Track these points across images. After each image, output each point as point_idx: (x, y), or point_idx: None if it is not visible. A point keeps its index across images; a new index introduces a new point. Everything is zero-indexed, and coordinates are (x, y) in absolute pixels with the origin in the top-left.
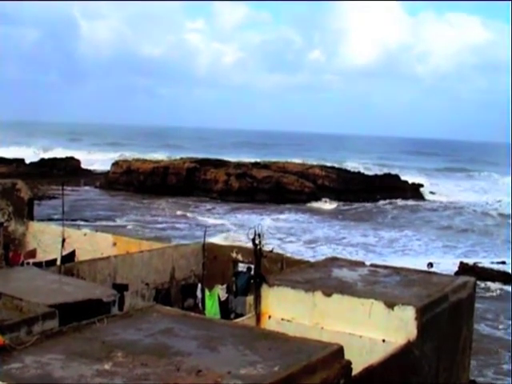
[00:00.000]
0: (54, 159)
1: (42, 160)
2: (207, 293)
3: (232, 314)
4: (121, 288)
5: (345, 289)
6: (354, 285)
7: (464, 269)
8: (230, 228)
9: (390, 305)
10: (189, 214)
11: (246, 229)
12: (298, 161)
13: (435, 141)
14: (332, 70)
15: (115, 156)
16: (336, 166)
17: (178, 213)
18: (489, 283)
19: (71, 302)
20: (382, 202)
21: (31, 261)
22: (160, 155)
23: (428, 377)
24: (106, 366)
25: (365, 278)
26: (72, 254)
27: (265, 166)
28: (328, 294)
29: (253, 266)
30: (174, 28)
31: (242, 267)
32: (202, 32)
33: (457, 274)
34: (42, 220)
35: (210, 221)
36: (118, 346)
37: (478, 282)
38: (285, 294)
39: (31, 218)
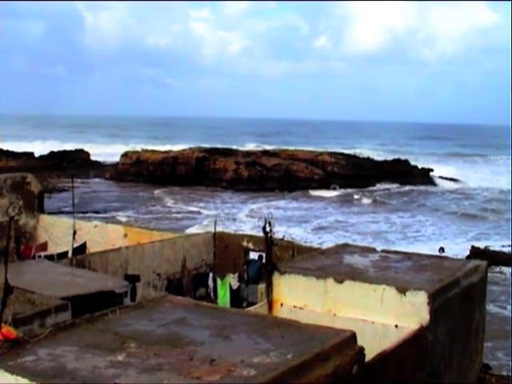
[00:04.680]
0: (64, 152)
1: (52, 153)
2: (219, 282)
3: (244, 303)
4: (133, 279)
5: (356, 275)
6: (365, 271)
7: (476, 253)
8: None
9: (402, 290)
10: (201, 204)
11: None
12: (307, 148)
13: (444, 125)
14: (338, 56)
15: (124, 147)
16: (345, 152)
17: (189, 203)
18: (503, 268)
19: (83, 294)
20: (391, 188)
21: (43, 254)
22: (169, 145)
23: (441, 361)
24: (120, 357)
25: (376, 263)
26: (83, 246)
27: (274, 153)
28: (340, 281)
29: (264, 254)
30: (179, 17)
31: (253, 255)
32: (208, 21)
33: (468, 258)
34: (53, 213)
35: (226, 211)
36: (130, 337)
37: (492, 267)
38: (296, 282)
39: (42, 211)
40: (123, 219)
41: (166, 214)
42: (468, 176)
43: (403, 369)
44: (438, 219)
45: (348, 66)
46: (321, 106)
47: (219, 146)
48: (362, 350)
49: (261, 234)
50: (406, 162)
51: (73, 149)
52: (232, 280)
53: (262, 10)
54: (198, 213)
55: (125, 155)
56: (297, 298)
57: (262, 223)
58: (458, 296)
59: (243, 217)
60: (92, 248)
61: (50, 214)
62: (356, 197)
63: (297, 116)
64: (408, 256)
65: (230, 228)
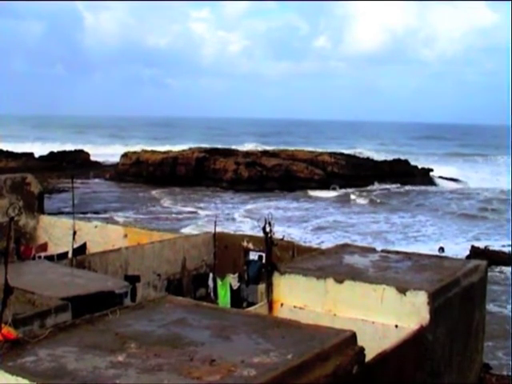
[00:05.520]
0: (63, 152)
1: (51, 153)
2: (219, 282)
3: (244, 303)
4: (133, 279)
5: (356, 275)
6: (365, 271)
7: (475, 252)
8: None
9: (402, 290)
10: (199, 205)
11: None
12: (307, 148)
13: (444, 125)
14: (338, 56)
15: (124, 148)
16: (345, 152)
17: (187, 203)
18: (503, 267)
19: (83, 294)
20: (391, 188)
21: (43, 254)
22: (168, 146)
23: (441, 361)
24: (120, 358)
25: (376, 263)
26: (83, 246)
27: (274, 154)
28: (340, 281)
29: (264, 255)
30: (179, 17)
31: (253, 256)
32: (208, 21)
33: (468, 257)
34: (53, 213)
35: (226, 211)
36: (131, 338)
37: (492, 266)
38: (297, 282)
39: (42, 211)
40: (120, 219)
41: (163, 214)
42: (468, 176)
43: (403, 369)
44: (438, 219)
45: (348, 66)
46: (321, 106)
47: (219, 146)
48: (362, 350)
49: (261, 234)
50: (406, 162)
51: (73, 149)
52: (232, 280)
53: (262, 10)
54: (195, 213)
55: (125, 156)
56: (297, 298)
57: (261, 223)
58: (458, 296)
59: (239, 217)
60: (92, 248)
61: (49, 214)
62: (356, 197)
63: (297, 116)
64: (408, 256)
65: (229, 228)
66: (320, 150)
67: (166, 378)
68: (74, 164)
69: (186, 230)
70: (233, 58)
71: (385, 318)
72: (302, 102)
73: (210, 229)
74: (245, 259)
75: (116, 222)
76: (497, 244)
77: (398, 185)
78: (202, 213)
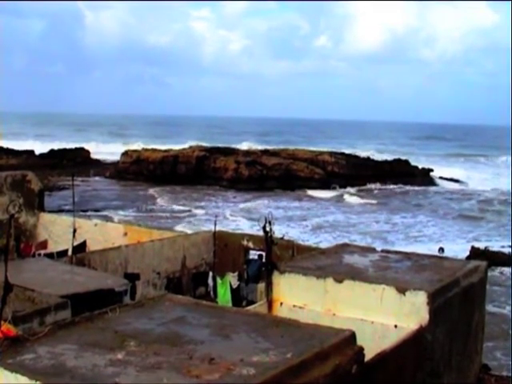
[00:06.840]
0: (64, 150)
1: (52, 151)
2: (219, 281)
3: (244, 302)
4: (132, 277)
5: (356, 275)
6: (365, 270)
7: (475, 253)
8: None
9: (402, 290)
10: (196, 203)
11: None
12: (307, 147)
13: (444, 125)
14: (339, 55)
15: (125, 146)
16: (345, 152)
17: (184, 202)
18: (503, 268)
19: (83, 292)
20: (392, 188)
21: (42, 252)
22: (169, 144)
23: (441, 361)
24: (119, 356)
25: (376, 263)
26: (83, 244)
27: (274, 153)
28: (339, 280)
29: (264, 254)
30: (179, 16)
31: (253, 255)
32: (208, 20)
33: (468, 258)
34: (53, 211)
35: (225, 210)
36: (130, 336)
37: (492, 267)
38: (296, 281)
39: (42, 209)
40: (116, 218)
41: (160, 212)
42: (469, 176)
43: (403, 369)
44: (438, 219)
45: (348, 66)
46: (321, 106)
47: (220, 144)
48: (361, 349)
49: (260, 233)
50: (407, 162)
51: (73, 147)
52: (232, 279)
53: (262, 10)
54: (190, 211)
55: (125, 154)
56: (296, 297)
57: (261, 223)
58: (457, 296)
59: (230, 216)
60: (92, 246)
61: (50, 212)
62: (356, 197)
63: (297, 115)
64: (408, 256)
65: (228, 227)
66: (320, 149)
67: (165, 376)
68: (75, 162)
69: (179, 228)
70: (233, 57)
71: (384, 317)
72: (302, 102)
73: (204, 227)
74: (245, 258)
75: (111, 220)
76: (497, 245)
77: (399, 185)
78: (197, 211)
